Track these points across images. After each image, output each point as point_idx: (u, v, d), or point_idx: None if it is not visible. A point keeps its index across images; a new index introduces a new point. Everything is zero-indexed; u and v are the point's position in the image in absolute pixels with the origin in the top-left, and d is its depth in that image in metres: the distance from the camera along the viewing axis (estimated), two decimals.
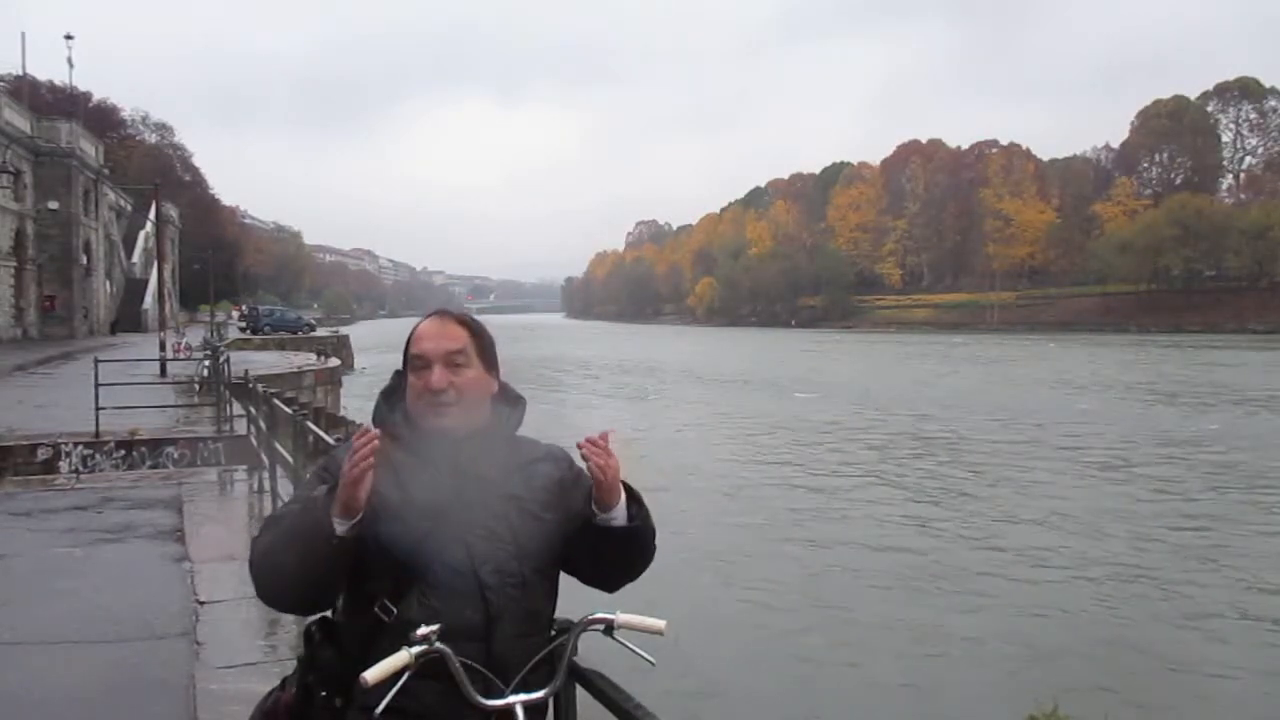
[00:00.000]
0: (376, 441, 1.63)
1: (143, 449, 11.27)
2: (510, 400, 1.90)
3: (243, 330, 50.08)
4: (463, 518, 1.76)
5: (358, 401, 26.35)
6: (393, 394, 1.90)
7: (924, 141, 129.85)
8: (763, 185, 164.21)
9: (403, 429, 1.83)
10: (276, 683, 1.93)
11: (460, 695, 1.67)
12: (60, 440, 11.24)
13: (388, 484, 1.75)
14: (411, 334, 1.87)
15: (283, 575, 1.72)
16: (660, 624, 1.80)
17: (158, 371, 19.66)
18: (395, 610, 1.70)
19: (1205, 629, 9.68)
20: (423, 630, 1.62)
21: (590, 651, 1.86)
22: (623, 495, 1.82)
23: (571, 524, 1.85)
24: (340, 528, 1.65)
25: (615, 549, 1.86)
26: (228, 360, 15.28)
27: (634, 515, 1.84)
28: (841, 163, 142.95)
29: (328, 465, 1.86)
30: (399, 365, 1.98)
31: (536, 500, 1.85)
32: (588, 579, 1.93)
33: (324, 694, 1.75)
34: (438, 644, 1.62)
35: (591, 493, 1.82)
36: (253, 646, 5.02)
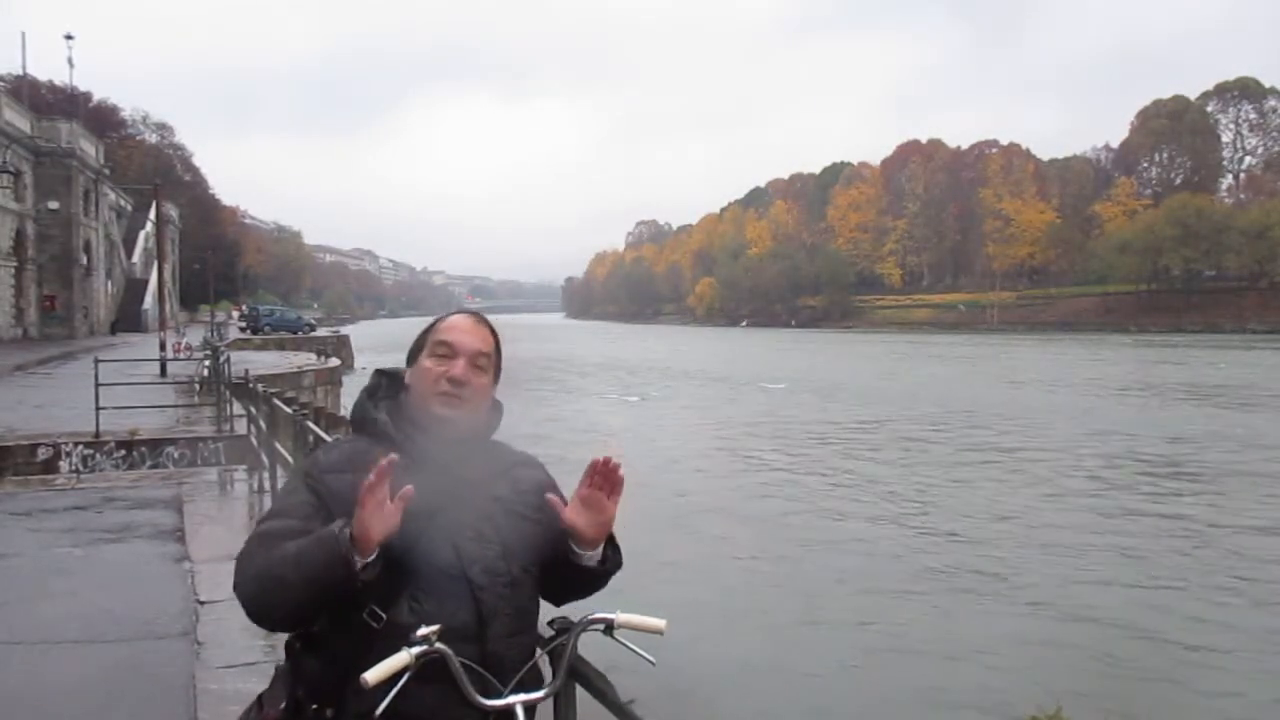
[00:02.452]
0: (385, 467, 1.60)
1: (143, 449, 11.26)
2: (493, 406, 1.92)
3: (243, 330, 50.09)
4: (451, 519, 1.76)
5: None
6: (376, 392, 1.90)
7: (924, 141, 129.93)
8: (763, 185, 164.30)
9: (390, 428, 1.83)
10: None
11: (458, 697, 1.66)
12: (60, 440, 11.24)
13: None
14: (435, 325, 1.89)
15: (286, 605, 1.70)
16: (660, 624, 1.80)
17: (158, 371, 19.67)
18: (384, 616, 1.69)
19: (1207, 629, 9.67)
20: (423, 630, 1.62)
21: (590, 652, 1.86)
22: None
23: (551, 529, 1.87)
24: (360, 565, 1.63)
25: (578, 581, 1.90)
26: (228, 360, 15.28)
27: (607, 558, 1.87)
28: (841, 163, 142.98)
29: (310, 470, 1.84)
30: (393, 364, 1.98)
31: (522, 502, 1.87)
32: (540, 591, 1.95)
33: (314, 706, 1.72)
34: (438, 644, 1.62)
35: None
36: (253, 646, 5.02)
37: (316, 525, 1.72)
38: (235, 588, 1.75)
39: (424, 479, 1.75)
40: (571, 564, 1.85)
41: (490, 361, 1.87)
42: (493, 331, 1.90)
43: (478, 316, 1.92)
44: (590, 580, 1.90)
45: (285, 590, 1.67)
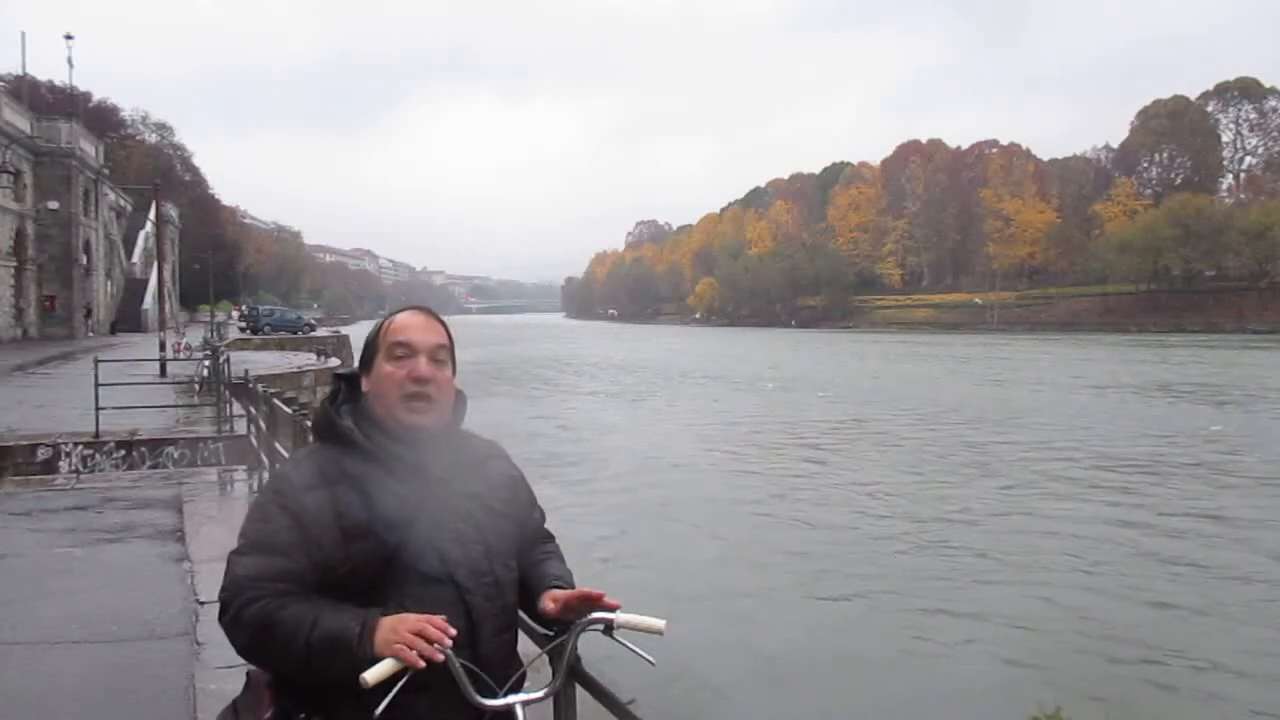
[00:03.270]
0: (448, 641, 1.61)
1: (143, 449, 11.26)
2: (457, 398, 1.89)
3: (242, 330, 50.05)
4: (431, 524, 1.73)
5: None
6: (337, 397, 1.85)
7: (924, 141, 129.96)
8: (763, 185, 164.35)
9: (355, 436, 1.77)
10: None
11: (451, 702, 1.65)
12: (60, 440, 11.23)
13: (353, 502, 1.70)
14: (385, 326, 1.83)
15: (279, 668, 1.71)
16: (660, 624, 1.79)
17: (158, 371, 19.66)
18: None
19: (1208, 629, 9.66)
20: None
21: (590, 652, 1.86)
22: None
23: (522, 525, 1.90)
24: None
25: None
26: (227, 360, 15.27)
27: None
28: (842, 163, 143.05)
29: (283, 489, 1.75)
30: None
31: (496, 496, 1.85)
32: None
33: (302, 716, 1.69)
34: (436, 645, 1.61)
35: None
36: None
37: (302, 559, 1.68)
38: (224, 626, 1.70)
39: (398, 485, 1.72)
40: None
41: (448, 354, 1.84)
42: (444, 324, 1.87)
43: (427, 311, 1.88)
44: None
45: (282, 662, 1.67)
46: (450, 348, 1.85)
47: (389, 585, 1.68)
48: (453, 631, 1.61)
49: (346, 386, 1.86)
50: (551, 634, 1.86)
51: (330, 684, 1.63)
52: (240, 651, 1.70)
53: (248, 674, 1.82)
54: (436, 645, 1.60)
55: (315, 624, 1.62)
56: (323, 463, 1.77)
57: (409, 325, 1.81)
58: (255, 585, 1.68)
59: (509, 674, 1.77)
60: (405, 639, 1.58)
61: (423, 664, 1.57)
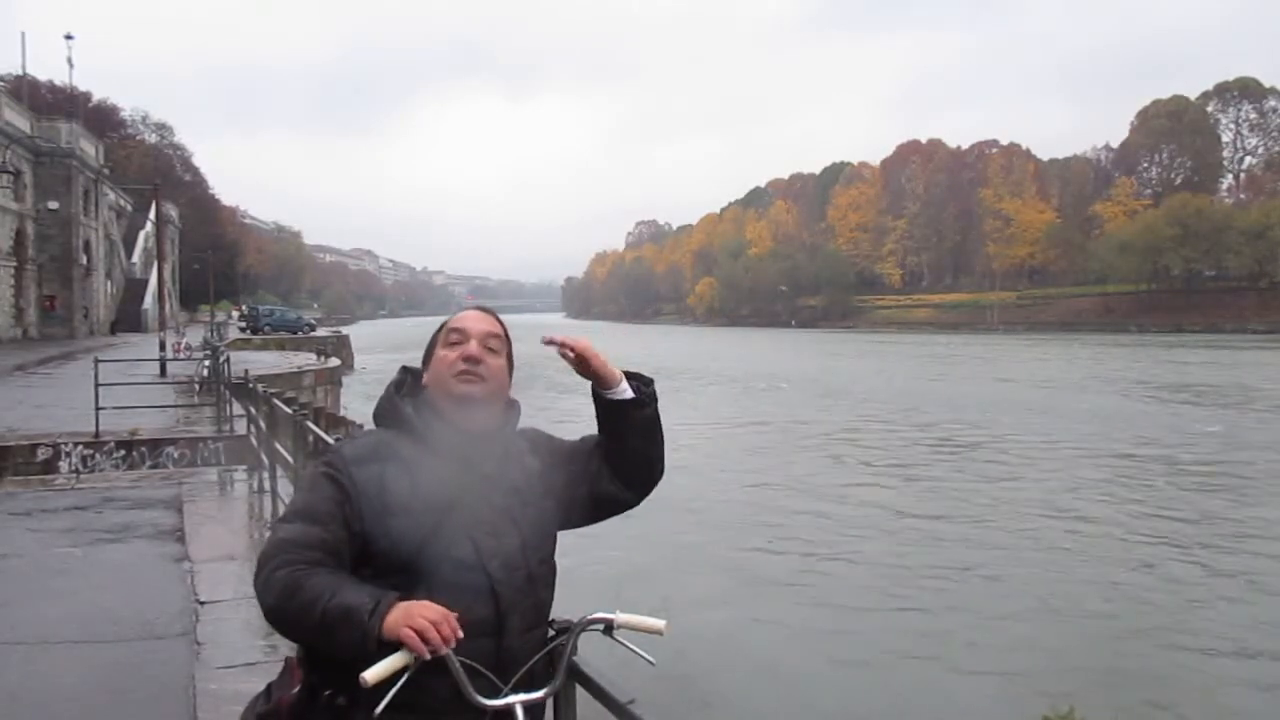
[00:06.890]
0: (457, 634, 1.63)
1: (143, 449, 11.27)
2: (510, 404, 1.97)
3: (243, 330, 50.07)
4: (469, 513, 1.79)
5: (358, 401, 26.42)
6: (401, 386, 1.95)
7: (924, 141, 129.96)
8: (763, 185, 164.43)
9: (413, 420, 1.87)
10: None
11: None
12: (60, 440, 11.24)
13: (397, 478, 1.78)
14: (447, 321, 1.98)
15: (299, 638, 1.77)
16: (660, 624, 1.80)
17: (158, 371, 19.67)
18: None
19: (1218, 629, 9.65)
20: None
21: (590, 652, 1.86)
22: (622, 375, 1.95)
23: (566, 494, 1.94)
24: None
25: (628, 429, 1.96)
26: (228, 360, 15.29)
27: (640, 390, 1.96)
28: (842, 163, 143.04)
29: (334, 462, 1.83)
30: (401, 364, 2.04)
31: (534, 490, 1.90)
32: (609, 489, 1.99)
33: (327, 693, 1.73)
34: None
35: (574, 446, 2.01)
36: (253, 646, 5.02)
37: (339, 531, 1.73)
38: (256, 587, 1.75)
39: (442, 471, 1.79)
40: (615, 408, 1.94)
41: (502, 345, 1.93)
42: (500, 322, 1.98)
43: (485, 309, 2.01)
44: (639, 417, 1.96)
45: (300, 629, 1.71)
46: (504, 341, 1.95)
47: (423, 567, 1.73)
48: (460, 633, 1.62)
49: (412, 379, 1.96)
50: (551, 634, 1.86)
51: (354, 662, 1.65)
52: (266, 613, 1.74)
53: (286, 659, 1.87)
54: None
55: (334, 594, 1.65)
56: (377, 442, 1.86)
57: (464, 316, 1.97)
58: (291, 550, 1.72)
59: (525, 676, 1.78)
60: (417, 624, 1.59)
61: (428, 655, 1.59)
